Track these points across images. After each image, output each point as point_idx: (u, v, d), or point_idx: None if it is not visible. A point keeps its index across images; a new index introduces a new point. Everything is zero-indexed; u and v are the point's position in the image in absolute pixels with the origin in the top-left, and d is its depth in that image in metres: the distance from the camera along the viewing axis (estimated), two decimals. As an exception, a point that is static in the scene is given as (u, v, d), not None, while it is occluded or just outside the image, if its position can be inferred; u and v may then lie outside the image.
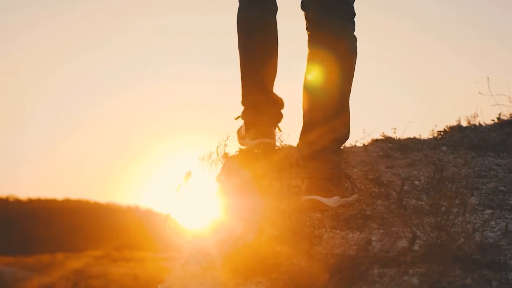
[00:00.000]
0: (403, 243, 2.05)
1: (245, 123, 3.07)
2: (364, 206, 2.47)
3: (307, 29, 2.63)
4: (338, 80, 2.55)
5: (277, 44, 3.05)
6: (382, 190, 2.65)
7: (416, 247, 1.94)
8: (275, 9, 3.05)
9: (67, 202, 47.85)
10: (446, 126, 3.70)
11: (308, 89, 2.59)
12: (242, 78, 3.07)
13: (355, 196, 2.60)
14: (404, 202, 2.49)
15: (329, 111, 2.54)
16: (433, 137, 3.61)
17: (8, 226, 40.19)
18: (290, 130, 3.24)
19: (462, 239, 1.93)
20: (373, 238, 2.12)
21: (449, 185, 2.67)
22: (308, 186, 2.52)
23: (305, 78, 2.59)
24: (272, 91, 3.08)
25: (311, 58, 2.60)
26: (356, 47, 2.60)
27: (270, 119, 3.04)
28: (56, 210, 45.20)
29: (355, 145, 3.44)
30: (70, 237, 39.35)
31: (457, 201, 2.41)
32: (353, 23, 2.60)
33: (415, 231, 1.90)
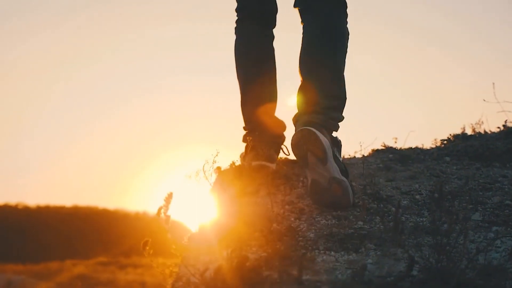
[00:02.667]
0: (401, 266, 1.92)
1: (246, 146, 3.04)
2: (361, 223, 2.33)
3: (302, 21, 2.80)
4: (333, 55, 2.72)
5: (276, 70, 3.08)
6: (381, 205, 2.51)
7: (415, 272, 1.80)
8: (272, 37, 3.10)
9: (75, 209, 47.91)
10: (450, 134, 3.55)
11: (304, 64, 2.75)
12: (242, 104, 3.09)
13: (347, 181, 2.48)
14: (404, 219, 2.36)
15: (326, 83, 2.70)
16: (436, 146, 3.46)
17: (17, 233, 40.26)
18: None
19: (465, 262, 1.79)
20: (370, 260, 1.99)
21: (451, 199, 2.55)
22: (300, 123, 2.61)
23: (301, 54, 2.76)
24: (273, 115, 3.09)
25: (306, 37, 2.76)
26: (347, 28, 2.79)
27: (271, 142, 3.02)
28: (64, 217, 45.26)
29: (354, 156, 3.30)
30: (79, 243, 39.37)
31: (460, 217, 2.28)
32: (345, 11, 2.79)
33: (413, 256, 1.76)
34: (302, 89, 2.72)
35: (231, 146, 3.20)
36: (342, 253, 2.07)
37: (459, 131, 3.59)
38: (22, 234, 40.34)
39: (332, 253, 2.07)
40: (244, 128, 3.10)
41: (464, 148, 3.22)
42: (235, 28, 3.09)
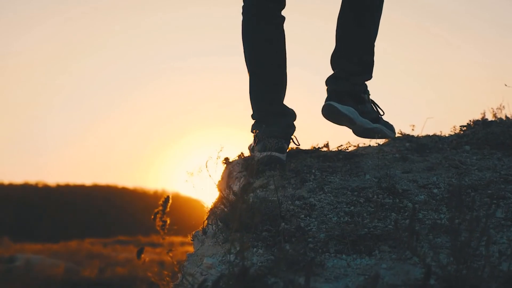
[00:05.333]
0: (418, 272, 1.78)
1: (254, 136, 2.88)
2: (376, 221, 2.19)
3: None
4: (366, 25, 2.92)
5: (285, 54, 2.94)
6: (397, 200, 2.37)
7: (432, 281, 1.66)
8: (282, 19, 2.94)
9: (95, 187, 48.22)
10: (470, 120, 3.38)
11: (338, 30, 2.94)
12: (251, 91, 2.94)
13: (379, 125, 2.97)
14: (421, 215, 2.22)
15: (355, 50, 2.92)
16: (455, 133, 3.29)
17: (37, 212, 40.54)
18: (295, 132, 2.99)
19: (487, 270, 1.65)
20: (384, 265, 1.85)
21: (472, 193, 2.40)
22: (328, 96, 2.91)
23: (338, 19, 2.94)
24: (283, 103, 2.95)
25: (344, 3, 2.92)
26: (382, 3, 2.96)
27: (281, 132, 2.87)
28: (84, 195, 45.53)
29: (370, 145, 3.16)
30: (98, 222, 39.59)
31: (480, 214, 2.13)
32: None
33: (430, 264, 1.62)
34: (334, 53, 2.97)
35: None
36: (354, 256, 1.93)
37: (479, 116, 3.42)
38: (42, 212, 40.64)
39: (344, 256, 1.94)
40: (252, 117, 2.96)
41: (485, 135, 3.05)
42: (242, 7, 2.94)
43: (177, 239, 24.94)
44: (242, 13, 2.93)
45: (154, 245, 24.26)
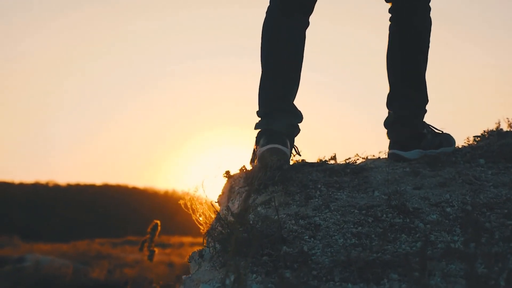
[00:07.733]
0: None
1: (254, 150, 2.82)
2: (385, 242, 2.04)
3: (391, 15, 3.04)
4: (418, 64, 3.04)
5: (302, 58, 2.89)
6: (407, 220, 2.22)
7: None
8: (305, 24, 2.90)
9: (105, 187, 48.33)
10: (484, 130, 3.23)
11: (391, 71, 3.05)
12: (261, 88, 2.88)
13: (448, 148, 3.07)
14: (433, 238, 2.08)
15: (410, 94, 3.04)
16: (469, 145, 3.14)
17: (48, 211, 40.61)
18: (301, 143, 2.87)
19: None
20: (392, 296, 1.70)
21: (487, 213, 2.25)
22: (390, 143, 3.06)
23: (388, 59, 3.06)
24: (292, 103, 2.89)
25: (394, 41, 3.03)
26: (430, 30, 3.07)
27: (285, 129, 2.78)
28: (94, 195, 45.61)
29: (379, 157, 3.01)
30: (108, 222, 39.60)
31: (496, 237, 1.99)
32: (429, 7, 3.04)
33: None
34: (388, 95, 3.09)
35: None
36: (361, 285, 1.79)
37: (493, 126, 3.26)
38: (52, 212, 40.71)
39: (350, 285, 1.79)
40: (258, 113, 2.88)
41: (500, 147, 2.90)
42: (268, 8, 2.89)
43: (187, 239, 24.89)
44: (267, 12, 2.90)
45: (163, 245, 24.19)
